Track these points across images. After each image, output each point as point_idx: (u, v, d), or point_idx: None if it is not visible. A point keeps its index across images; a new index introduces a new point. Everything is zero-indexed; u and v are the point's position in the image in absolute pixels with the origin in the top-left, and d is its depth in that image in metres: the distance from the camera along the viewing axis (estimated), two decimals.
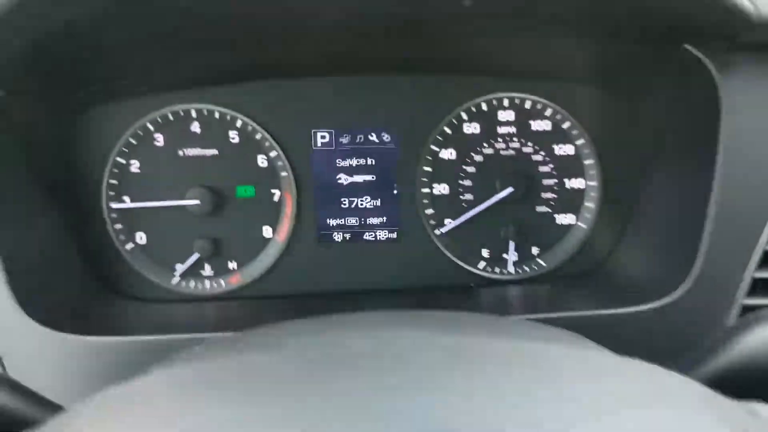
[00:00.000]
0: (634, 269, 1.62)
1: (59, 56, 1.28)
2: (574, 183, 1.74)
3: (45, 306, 1.33)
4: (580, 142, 1.72)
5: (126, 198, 1.65)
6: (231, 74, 1.61)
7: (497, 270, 1.75)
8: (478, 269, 1.74)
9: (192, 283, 1.69)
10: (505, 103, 1.70)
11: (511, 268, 1.73)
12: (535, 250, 1.76)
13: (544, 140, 1.70)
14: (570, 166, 1.72)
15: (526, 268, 1.75)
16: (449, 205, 1.71)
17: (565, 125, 1.71)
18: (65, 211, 1.55)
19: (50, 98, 1.47)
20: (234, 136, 1.66)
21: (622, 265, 1.68)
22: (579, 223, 1.75)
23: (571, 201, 1.73)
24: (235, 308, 1.63)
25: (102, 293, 1.63)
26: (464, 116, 1.70)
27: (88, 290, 1.59)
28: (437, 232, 1.72)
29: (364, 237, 1.72)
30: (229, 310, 1.62)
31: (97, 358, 1.32)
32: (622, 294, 1.50)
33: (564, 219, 1.75)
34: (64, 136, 1.58)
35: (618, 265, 1.69)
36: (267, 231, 1.70)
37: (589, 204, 1.74)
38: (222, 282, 1.70)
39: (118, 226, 1.65)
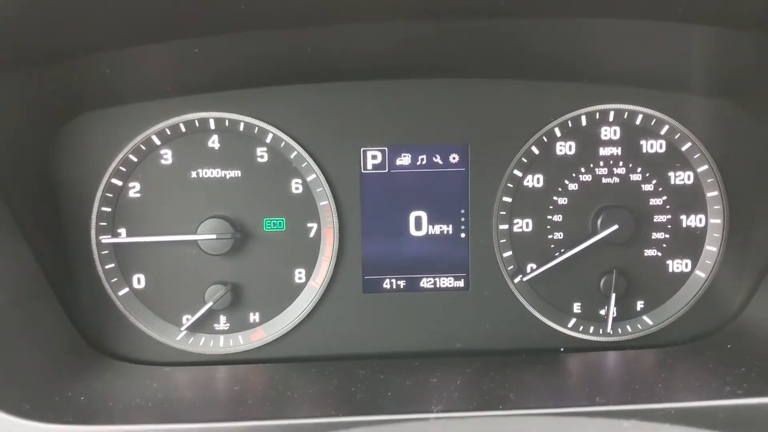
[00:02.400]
0: None
1: (33, 35, 1.12)
2: (693, 220, 1.52)
3: (7, 380, 1.16)
4: (702, 168, 1.51)
5: (121, 230, 1.48)
6: (260, 74, 1.44)
7: (591, 330, 1.53)
8: (568, 328, 1.53)
9: (202, 340, 1.50)
10: (610, 117, 1.50)
11: (609, 328, 1.51)
12: (639, 305, 1.54)
13: (657, 165, 1.51)
14: (688, 199, 1.52)
15: (629, 328, 1.54)
16: (533, 246, 1.52)
17: (685, 147, 1.51)
18: (42, 246, 1.39)
19: (27, 99, 1.32)
20: (262, 154, 1.48)
21: (758, 328, 1.46)
22: (697, 272, 1.54)
23: (689, 243, 1.53)
24: (256, 374, 1.43)
25: (86, 354, 1.44)
26: (557, 133, 1.50)
27: (69, 350, 1.40)
28: (517, 280, 1.52)
29: (422, 285, 1.53)
30: (249, 376, 1.42)
31: None
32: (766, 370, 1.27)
33: (678, 266, 1.53)
34: (43, 150, 1.43)
35: (751, 328, 1.47)
36: (300, 275, 1.51)
37: (711, 247, 1.53)
38: (240, 339, 1.51)
39: (111, 266, 1.48)
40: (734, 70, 1.40)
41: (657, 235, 1.51)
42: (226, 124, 1.45)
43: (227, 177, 1.46)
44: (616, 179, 1.49)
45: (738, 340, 1.44)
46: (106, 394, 1.29)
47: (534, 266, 1.51)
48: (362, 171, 1.48)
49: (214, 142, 1.46)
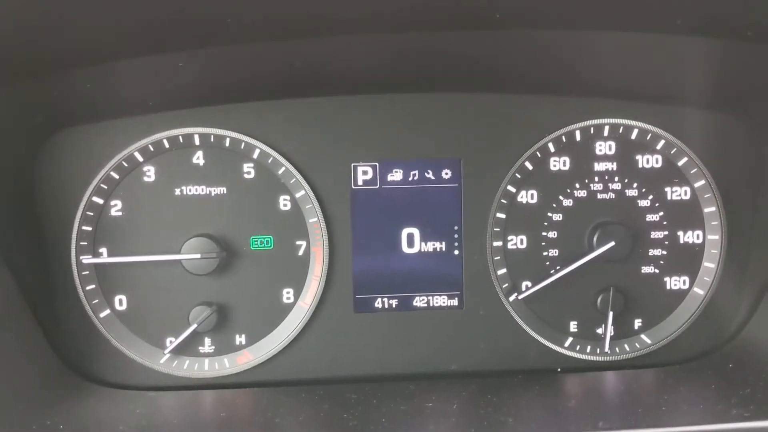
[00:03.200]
0: None
1: (12, 50, 1.09)
2: (691, 236, 1.50)
3: None
4: (699, 183, 1.49)
5: (102, 250, 1.44)
6: (246, 89, 1.41)
7: (589, 349, 1.50)
8: (564, 347, 1.50)
9: (186, 364, 1.46)
10: (605, 131, 1.48)
11: (607, 347, 1.48)
12: (637, 323, 1.51)
13: (653, 181, 1.49)
14: (686, 215, 1.50)
15: (627, 347, 1.51)
16: (528, 264, 1.49)
17: (681, 162, 1.49)
18: (21, 266, 1.36)
19: (5, 115, 1.29)
20: (248, 170, 1.44)
21: (760, 346, 1.44)
22: (696, 289, 1.51)
23: (687, 260, 1.50)
24: (243, 399, 1.39)
25: (67, 379, 1.40)
26: (551, 148, 1.47)
27: (48, 375, 1.36)
28: (512, 298, 1.49)
29: (415, 304, 1.49)
30: (236, 401, 1.38)
31: None
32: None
33: (677, 283, 1.51)
34: (22, 168, 1.40)
35: (753, 346, 1.45)
36: (288, 295, 1.47)
37: (710, 264, 1.50)
38: (226, 362, 1.47)
39: (91, 287, 1.44)
40: (732, 84, 1.39)
41: (654, 252, 1.48)
42: (212, 139, 1.41)
43: (212, 194, 1.43)
44: (612, 195, 1.47)
45: (740, 359, 1.41)
46: (88, 421, 1.25)
47: (529, 284, 1.47)
48: (352, 187, 1.45)
49: (198, 158, 1.42)
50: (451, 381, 1.42)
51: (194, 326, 1.41)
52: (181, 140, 1.41)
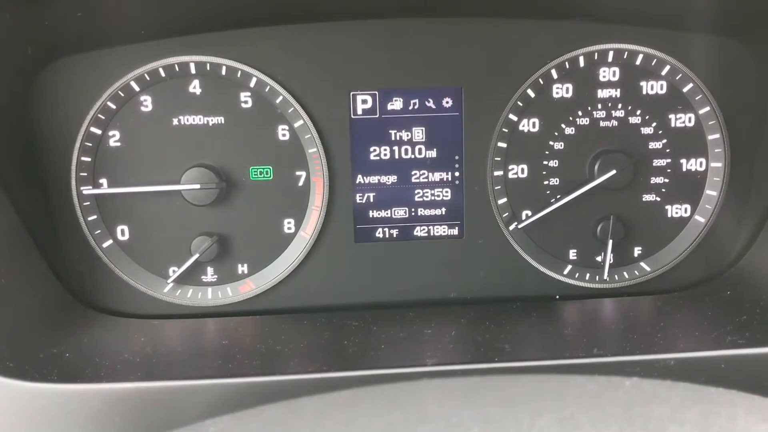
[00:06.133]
0: None
1: None
2: (694, 164, 1.48)
3: None
4: (703, 110, 1.45)
5: (103, 181, 1.43)
6: (243, 16, 1.37)
7: (588, 277, 1.51)
8: (563, 275, 1.50)
9: (190, 292, 1.47)
10: (609, 57, 1.44)
11: (606, 275, 1.48)
12: (637, 251, 1.51)
13: (657, 107, 1.45)
14: (689, 142, 1.46)
15: (626, 275, 1.51)
16: (529, 193, 1.48)
17: (686, 88, 1.45)
18: (23, 199, 1.35)
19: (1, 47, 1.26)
20: (246, 100, 1.42)
21: (758, 275, 1.43)
22: (697, 216, 1.50)
23: (688, 187, 1.48)
24: (246, 327, 1.40)
25: (72, 308, 1.41)
26: (554, 74, 1.44)
27: (54, 305, 1.37)
28: (512, 227, 1.48)
29: (416, 233, 1.49)
30: (239, 329, 1.39)
31: (61, 414, 1.07)
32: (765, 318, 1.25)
33: (678, 211, 1.50)
34: (18, 98, 1.37)
35: (751, 275, 1.45)
36: (289, 225, 1.47)
37: (712, 192, 1.49)
38: (229, 291, 1.48)
39: (93, 217, 1.43)
40: (740, 8, 1.34)
41: (656, 180, 1.46)
42: (208, 68, 1.38)
43: (210, 124, 1.40)
44: (615, 122, 1.44)
45: (737, 287, 1.42)
46: (93, 350, 1.26)
47: (529, 213, 1.46)
48: (352, 116, 1.42)
49: (195, 87, 1.40)
50: (450, 308, 1.43)
51: (196, 256, 1.41)
52: (177, 69, 1.38)
